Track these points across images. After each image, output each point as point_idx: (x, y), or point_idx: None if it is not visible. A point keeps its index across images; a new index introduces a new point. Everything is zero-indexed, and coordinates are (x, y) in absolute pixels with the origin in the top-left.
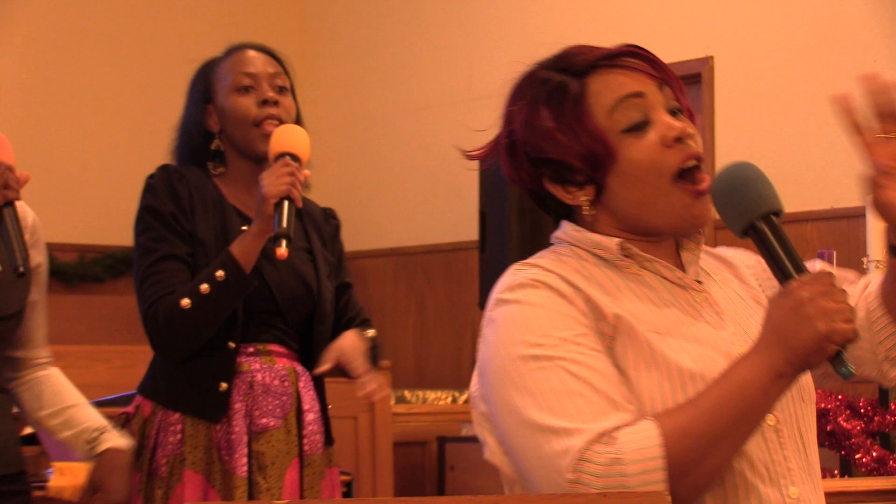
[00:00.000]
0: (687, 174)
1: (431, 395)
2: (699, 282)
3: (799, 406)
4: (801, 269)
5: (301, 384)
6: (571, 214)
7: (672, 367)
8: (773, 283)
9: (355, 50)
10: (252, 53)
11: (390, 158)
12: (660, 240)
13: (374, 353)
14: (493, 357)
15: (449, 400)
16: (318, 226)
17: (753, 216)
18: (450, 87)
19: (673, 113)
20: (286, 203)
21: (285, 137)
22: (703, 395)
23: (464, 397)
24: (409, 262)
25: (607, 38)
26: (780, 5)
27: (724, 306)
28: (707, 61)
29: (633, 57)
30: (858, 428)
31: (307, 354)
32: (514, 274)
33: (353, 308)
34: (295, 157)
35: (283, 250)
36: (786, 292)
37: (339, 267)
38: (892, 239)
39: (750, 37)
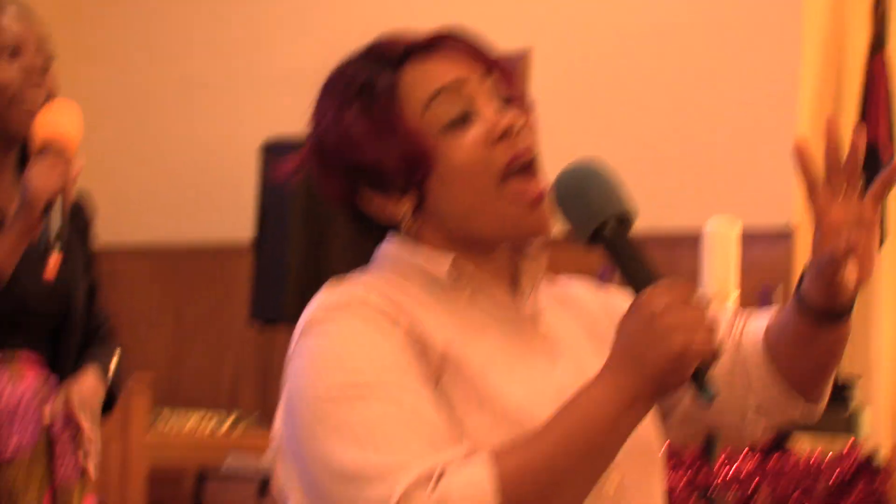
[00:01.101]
0: (517, 174)
1: (195, 414)
2: (536, 316)
3: (647, 460)
4: (655, 278)
5: (52, 401)
6: (395, 230)
7: (507, 409)
8: (612, 313)
9: (122, 13)
10: (13, 13)
11: (154, 140)
12: (496, 255)
13: (113, 393)
14: (303, 390)
15: (214, 422)
16: (76, 219)
17: (600, 220)
18: (230, 66)
19: (506, 101)
20: (56, 205)
21: (55, 121)
22: (546, 428)
23: (229, 420)
24: (168, 261)
25: (415, 26)
26: None
27: (563, 340)
28: (525, 53)
29: (451, 42)
30: (684, 480)
31: (61, 361)
32: (330, 293)
33: (98, 315)
34: (66, 148)
35: (53, 264)
36: (637, 304)
37: (89, 264)
38: (812, 300)
39: (572, 26)
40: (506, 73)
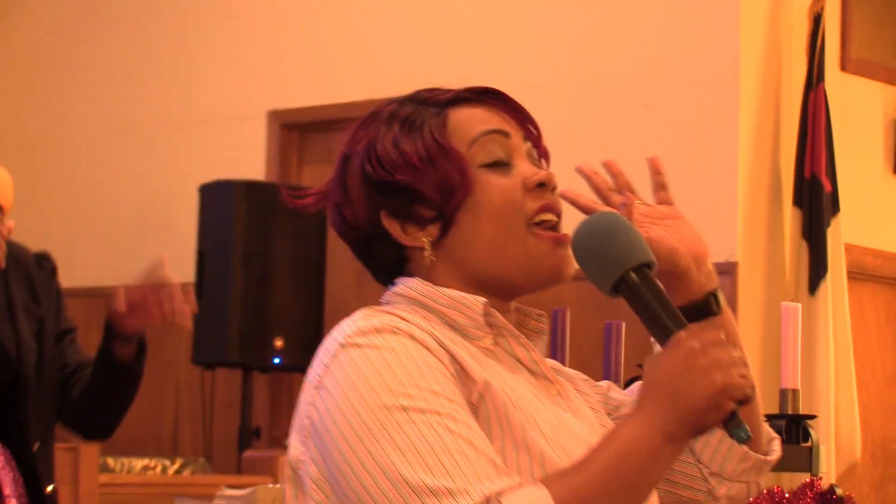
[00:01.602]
0: (543, 226)
1: (139, 463)
2: (549, 370)
3: None
4: (683, 324)
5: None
6: (402, 271)
7: (546, 457)
8: (599, 393)
9: (56, 62)
10: None
11: (91, 185)
12: (506, 308)
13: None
14: (346, 407)
15: (159, 469)
16: (28, 275)
17: (625, 269)
18: (164, 109)
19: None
20: None
21: None
22: (590, 459)
23: (174, 467)
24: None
25: (349, 71)
26: (540, 37)
27: (576, 401)
28: None
29: (498, 100)
30: None
31: (11, 429)
32: (367, 317)
33: (77, 355)
34: None
35: None
36: (673, 345)
37: (57, 315)
38: (677, 299)
39: (506, 71)
40: (540, 146)
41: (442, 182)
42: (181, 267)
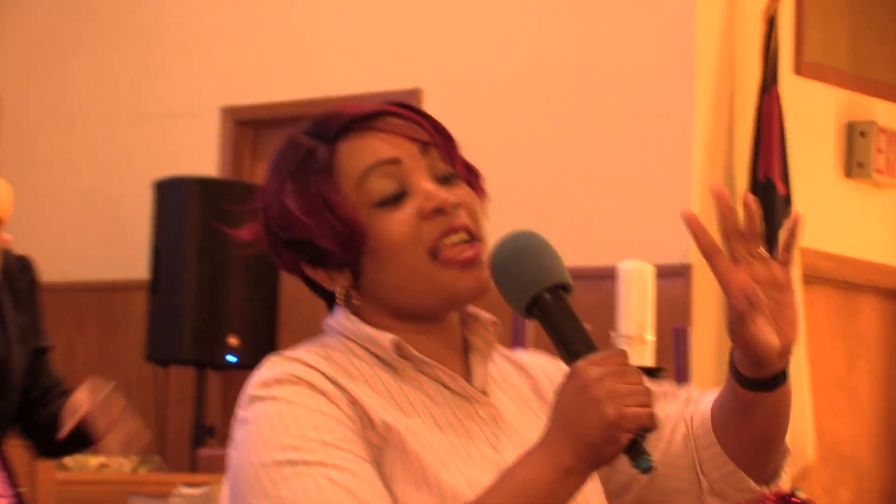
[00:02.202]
0: (445, 252)
1: (94, 460)
2: (484, 392)
3: None
4: (591, 349)
5: None
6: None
7: (445, 491)
8: None
9: (7, 51)
10: None
11: (40, 179)
12: (444, 326)
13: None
14: (243, 463)
15: (115, 466)
16: (12, 280)
17: (536, 290)
18: (116, 102)
19: (444, 180)
20: None
21: None
22: (486, 496)
23: (130, 465)
24: (59, 301)
25: (304, 68)
26: (496, 35)
27: (511, 421)
28: (415, 94)
29: (392, 117)
30: None
31: None
32: (270, 368)
33: (50, 377)
34: None
35: None
36: (572, 374)
37: (34, 327)
38: (744, 368)
39: (462, 67)
40: (445, 151)
41: (336, 236)
42: (136, 263)
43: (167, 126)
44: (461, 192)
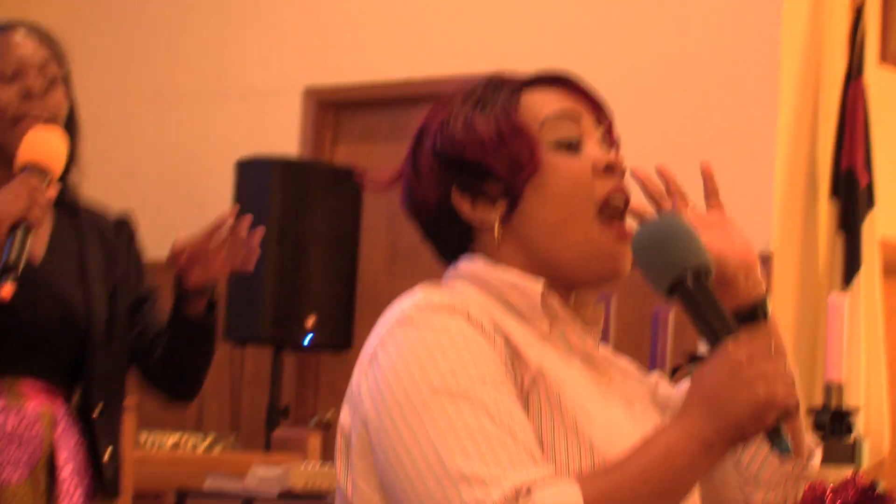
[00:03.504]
0: (611, 212)
1: (170, 438)
2: (605, 359)
3: None
4: (735, 331)
5: (58, 432)
6: (468, 249)
7: (595, 445)
8: (648, 383)
9: (91, 31)
10: (20, 36)
11: (123, 158)
12: (566, 296)
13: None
14: (395, 384)
15: (189, 445)
16: (106, 241)
17: (682, 272)
18: (199, 82)
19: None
20: (20, 230)
21: (35, 145)
22: (626, 462)
23: (205, 444)
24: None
25: (388, 50)
26: (583, 21)
27: (632, 390)
28: None
29: (573, 83)
30: None
31: (83, 391)
32: (427, 294)
33: (158, 321)
34: (43, 171)
35: (6, 289)
36: (719, 354)
37: (137, 278)
38: (724, 302)
39: (545, 53)
40: (611, 129)
41: (510, 160)
42: None
43: (250, 106)
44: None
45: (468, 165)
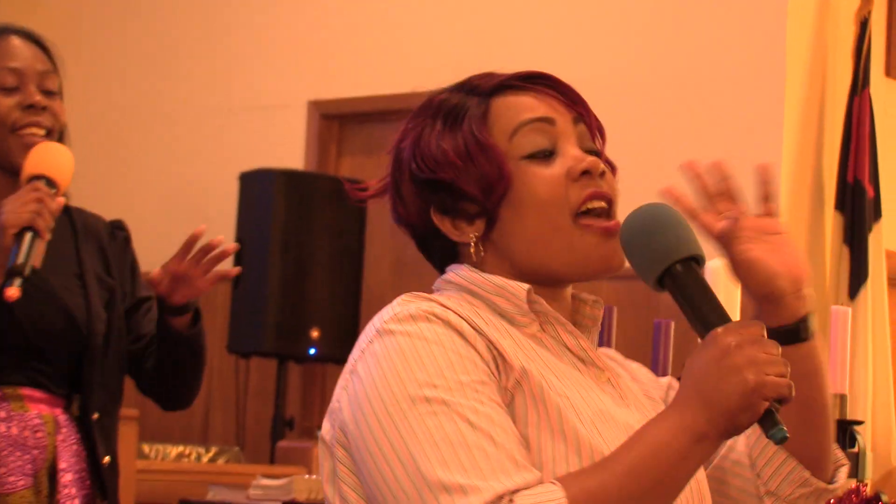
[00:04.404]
0: (592, 213)
1: (173, 450)
2: (600, 358)
3: None
4: (726, 320)
5: (60, 437)
6: (456, 260)
7: (582, 443)
8: (658, 388)
9: (96, 47)
10: (18, 43)
11: (129, 171)
12: (559, 294)
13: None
14: (373, 395)
15: (193, 457)
16: (101, 244)
17: (672, 260)
18: (204, 97)
19: (590, 153)
20: (28, 235)
21: (43, 157)
22: (614, 458)
23: (209, 455)
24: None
25: (391, 63)
26: (586, 34)
27: (627, 389)
28: None
29: (547, 84)
30: None
31: (82, 398)
32: (404, 304)
33: (152, 327)
34: (51, 182)
35: (13, 291)
36: (709, 340)
37: (132, 283)
38: (764, 316)
39: (549, 64)
40: (593, 127)
41: (481, 178)
42: None
43: (255, 119)
44: (606, 166)
45: (443, 186)
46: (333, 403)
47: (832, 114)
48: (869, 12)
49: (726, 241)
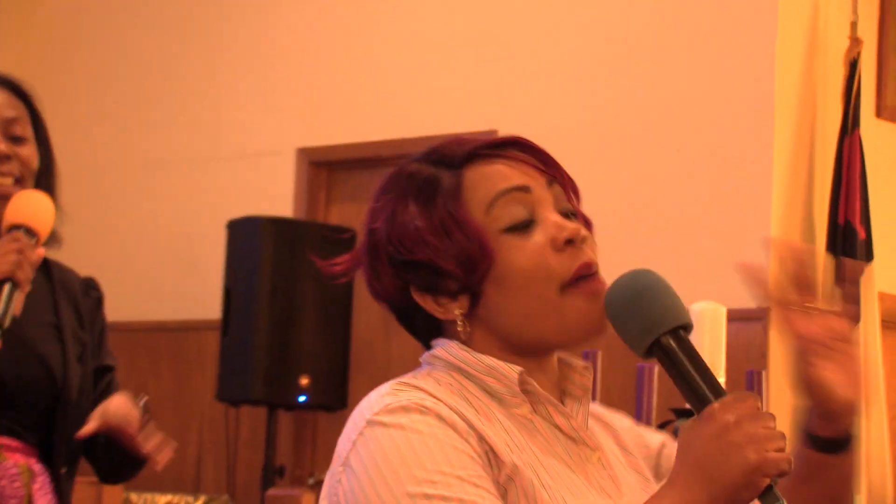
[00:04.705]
0: (580, 280)
1: (162, 499)
2: (592, 434)
3: None
4: (719, 392)
5: (36, 486)
6: (442, 333)
7: None
8: (648, 452)
9: (83, 96)
10: None
11: (117, 219)
12: (547, 363)
13: (147, 418)
14: (371, 494)
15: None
16: (75, 299)
17: (660, 332)
18: (193, 145)
19: (567, 216)
20: (7, 286)
21: (23, 206)
22: None
23: (199, 503)
24: (132, 340)
25: (379, 110)
26: (571, 78)
27: (616, 470)
28: (489, 136)
29: (517, 149)
30: None
31: (49, 450)
32: (394, 394)
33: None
34: (31, 232)
35: None
36: (706, 417)
37: (99, 346)
38: (814, 426)
39: (537, 110)
40: (567, 187)
41: (462, 258)
42: (208, 303)
43: (243, 166)
44: (585, 228)
45: (422, 265)
46: (329, 496)
47: (822, 155)
48: (858, 53)
49: (799, 349)
